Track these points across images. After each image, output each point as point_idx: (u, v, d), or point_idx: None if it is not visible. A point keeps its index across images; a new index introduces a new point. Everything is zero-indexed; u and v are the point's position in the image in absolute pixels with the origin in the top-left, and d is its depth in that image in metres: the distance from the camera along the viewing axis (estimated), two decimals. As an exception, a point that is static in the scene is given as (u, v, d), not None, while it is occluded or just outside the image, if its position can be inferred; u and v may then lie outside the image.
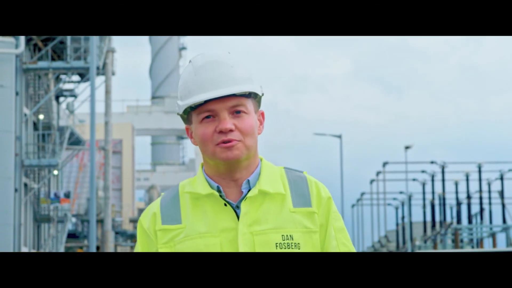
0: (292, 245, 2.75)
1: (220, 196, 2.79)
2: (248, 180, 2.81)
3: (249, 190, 2.80)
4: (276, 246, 2.74)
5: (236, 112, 2.77)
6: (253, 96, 2.82)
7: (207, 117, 2.77)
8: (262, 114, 2.88)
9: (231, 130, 2.75)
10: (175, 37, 77.61)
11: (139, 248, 2.89)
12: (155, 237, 2.84)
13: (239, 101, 2.77)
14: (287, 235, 2.75)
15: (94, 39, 32.66)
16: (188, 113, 2.83)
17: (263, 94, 2.84)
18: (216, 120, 2.76)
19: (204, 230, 2.76)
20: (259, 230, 2.75)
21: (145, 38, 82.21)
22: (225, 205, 2.79)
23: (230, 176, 2.81)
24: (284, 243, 2.75)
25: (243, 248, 2.73)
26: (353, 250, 2.89)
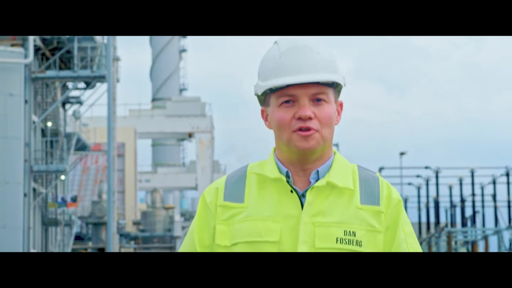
0: (353, 242, 2.67)
1: (288, 182, 2.72)
2: (318, 171, 2.73)
3: (317, 180, 2.72)
4: (337, 240, 2.66)
5: (317, 100, 2.68)
6: (335, 86, 2.73)
7: (287, 101, 2.68)
8: (341, 104, 2.78)
9: (310, 118, 2.66)
10: (175, 39, 78.15)
11: (196, 221, 2.80)
12: (215, 211, 2.77)
13: (321, 89, 2.68)
14: (349, 231, 2.66)
15: (110, 48, 33.62)
16: (266, 95, 2.75)
17: (345, 85, 2.75)
18: (295, 106, 2.67)
19: (267, 214, 2.69)
20: (321, 222, 2.67)
21: (146, 41, 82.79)
22: (291, 192, 2.71)
23: (301, 165, 2.72)
24: (345, 238, 2.66)
25: (302, 237, 2.65)
26: None
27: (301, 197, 2.71)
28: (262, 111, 2.80)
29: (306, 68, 2.67)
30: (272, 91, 2.70)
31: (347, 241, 2.66)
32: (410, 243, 2.75)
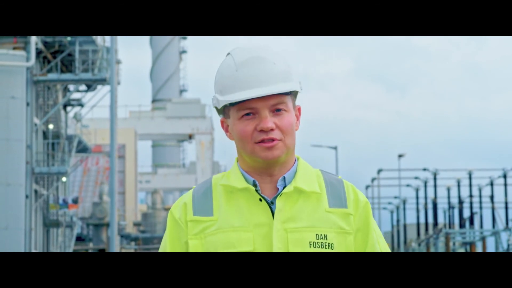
0: (325, 245, 2.70)
1: (256, 191, 2.74)
2: (284, 177, 2.75)
3: (284, 187, 2.74)
4: (310, 244, 2.69)
5: (276, 110, 2.70)
6: (292, 93, 2.76)
7: (247, 114, 2.70)
8: (299, 109, 2.81)
9: (272, 129, 2.68)
10: (175, 41, 78.24)
11: (167, 238, 2.81)
12: (186, 227, 2.77)
13: (281, 99, 2.70)
14: (321, 235, 2.70)
15: (113, 51, 33.75)
16: (225, 107, 2.76)
17: (301, 90, 2.78)
18: (256, 118, 2.70)
19: (238, 224, 2.71)
20: (293, 228, 2.69)
21: (146, 42, 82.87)
22: (260, 200, 2.73)
23: (267, 173, 2.75)
24: (318, 242, 2.69)
25: (276, 244, 2.67)
26: None
27: (270, 204, 2.74)
28: (222, 122, 2.82)
29: (264, 81, 2.68)
30: (232, 104, 2.72)
31: (320, 244, 2.70)
32: (381, 244, 2.81)
